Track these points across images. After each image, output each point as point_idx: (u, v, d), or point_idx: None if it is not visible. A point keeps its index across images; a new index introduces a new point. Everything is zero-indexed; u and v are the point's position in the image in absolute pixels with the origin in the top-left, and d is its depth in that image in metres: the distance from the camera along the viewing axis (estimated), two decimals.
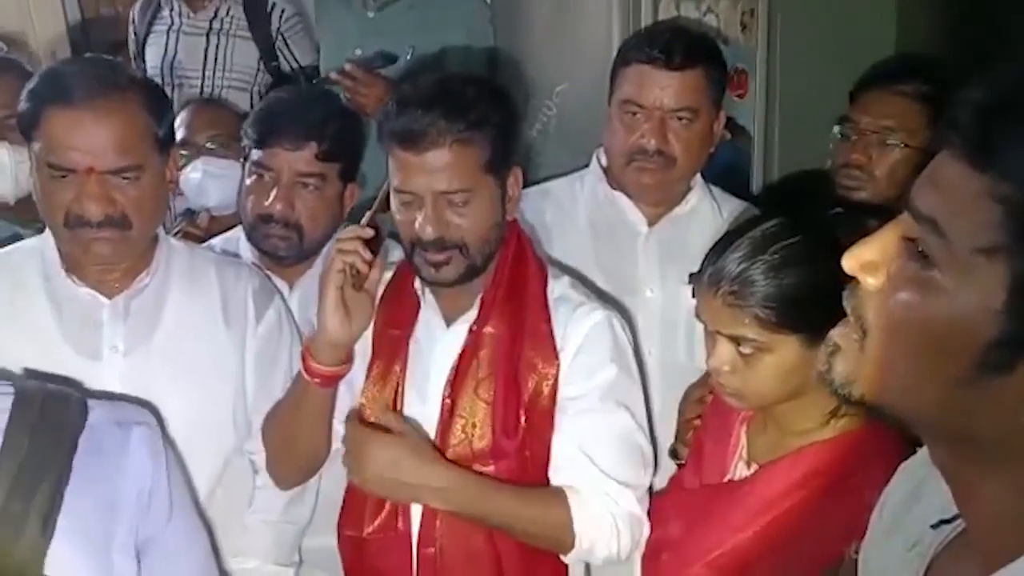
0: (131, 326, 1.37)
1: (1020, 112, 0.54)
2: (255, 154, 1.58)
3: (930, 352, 0.58)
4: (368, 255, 1.29)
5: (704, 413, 1.32)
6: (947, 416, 0.59)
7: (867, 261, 0.62)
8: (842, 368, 0.63)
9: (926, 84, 1.60)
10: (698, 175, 1.67)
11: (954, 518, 0.68)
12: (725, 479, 1.22)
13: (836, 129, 1.69)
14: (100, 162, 1.26)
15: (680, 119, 1.55)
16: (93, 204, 1.27)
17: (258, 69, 2.67)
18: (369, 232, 1.30)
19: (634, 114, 1.55)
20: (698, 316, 1.19)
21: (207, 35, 2.66)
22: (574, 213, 1.67)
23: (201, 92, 2.60)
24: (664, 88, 1.53)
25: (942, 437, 0.63)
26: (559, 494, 1.28)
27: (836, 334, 0.64)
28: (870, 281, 0.62)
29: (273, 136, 1.56)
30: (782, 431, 1.18)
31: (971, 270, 0.55)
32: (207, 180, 1.91)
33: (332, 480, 1.44)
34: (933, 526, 0.69)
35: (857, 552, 0.82)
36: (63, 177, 1.28)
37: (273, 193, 1.56)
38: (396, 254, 1.42)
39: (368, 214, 1.34)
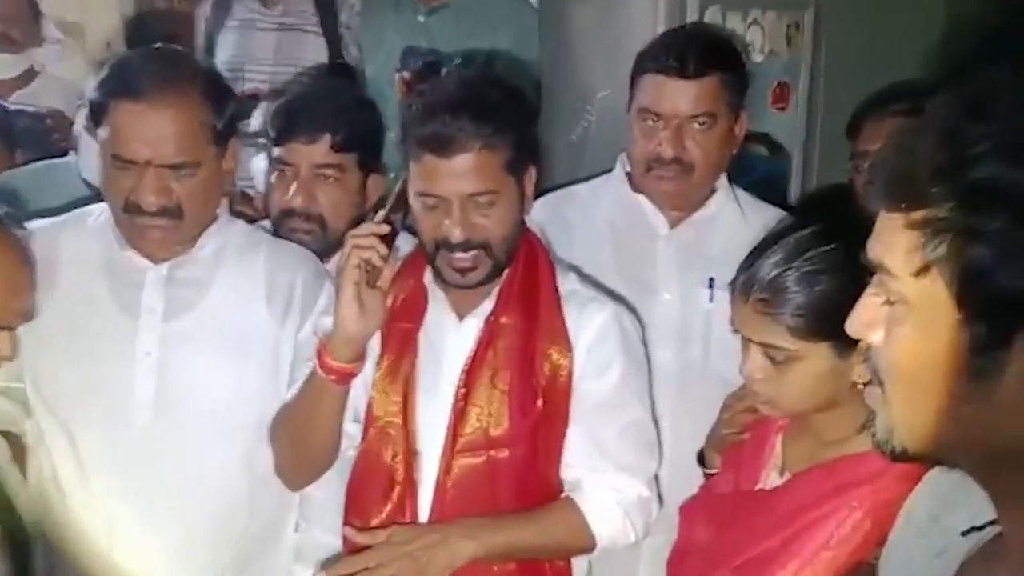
0: (173, 292, 1.44)
1: (892, 158, 0.64)
2: (275, 151, 1.62)
3: (925, 381, 0.63)
4: (384, 250, 1.32)
5: (750, 425, 1.32)
6: (968, 438, 0.63)
7: (863, 321, 0.68)
8: (879, 426, 0.67)
9: (914, 100, 1.62)
10: (724, 178, 1.67)
11: (984, 526, 0.70)
12: (757, 487, 1.23)
13: (850, 166, 1.72)
14: (158, 156, 1.34)
15: (698, 124, 1.56)
16: (151, 195, 1.34)
17: (327, 65, 2.69)
18: (384, 228, 1.33)
19: (651, 122, 1.57)
20: (731, 323, 1.20)
21: (279, 30, 2.69)
22: (596, 214, 1.69)
23: (270, 86, 2.60)
24: (679, 96, 1.55)
25: (974, 460, 0.66)
26: (568, 504, 1.35)
27: (867, 396, 0.70)
28: (873, 338, 0.67)
29: (289, 131, 1.60)
30: (817, 441, 1.18)
31: (920, 295, 0.62)
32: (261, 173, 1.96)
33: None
34: (963, 533, 0.71)
35: (877, 559, 0.84)
36: (124, 167, 1.35)
37: (293, 187, 1.59)
38: (403, 249, 1.45)
39: (382, 211, 1.37)
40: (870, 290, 0.67)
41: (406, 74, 2.27)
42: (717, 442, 1.42)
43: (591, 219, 1.69)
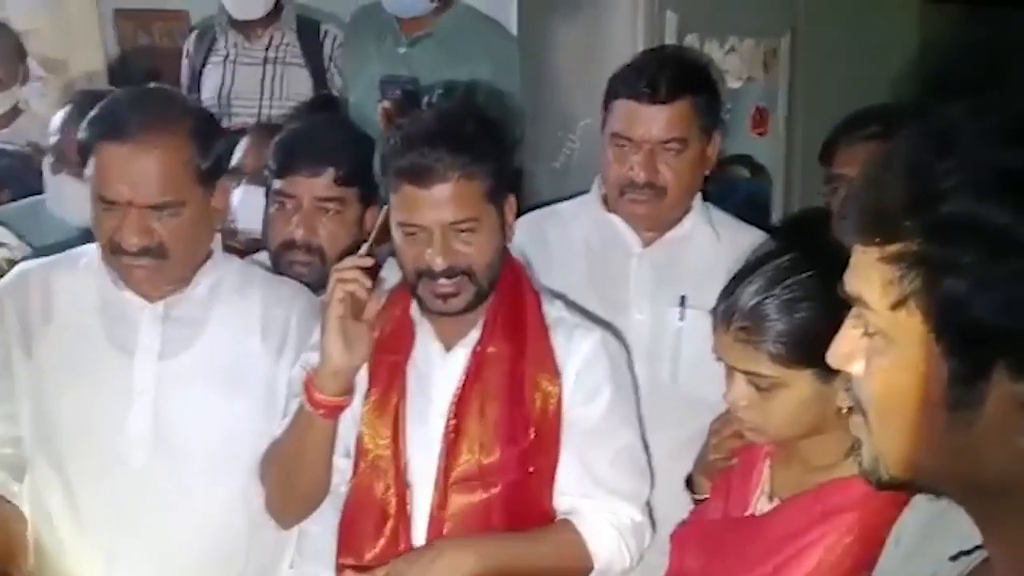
0: (170, 331, 1.43)
1: (863, 192, 0.64)
2: (276, 183, 1.63)
3: (907, 411, 0.62)
4: (368, 283, 1.33)
5: (738, 450, 1.32)
6: (952, 467, 0.63)
7: (843, 353, 0.68)
8: (865, 455, 0.67)
9: (885, 124, 1.66)
10: (698, 198, 1.69)
11: (973, 550, 0.70)
12: (746, 513, 1.23)
13: (826, 190, 1.74)
14: (140, 196, 1.34)
15: (669, 149, 1.57)
16: (132, 235, 1.35)
17: (312, 96, 2.71)
18: (368, 261, 1.34)
19: (624, 146, 1.58)
20: (714, 351, 1.19)
21: (263, 64, 2.71)
22: (573, 233, 1.71)
23: (258, 121, 2.63)
24: (651, 121, 1.56)
25: (959, 489, 0.65)
26: (566, 526, 1.35)
27: (851, 426, 0.69)
28: (854, 369, 0.67)
29: (292, 164, 1.61)
30: (804, 466, 1.18)
31: (898, 328, 0.62)
32: (241, 208, 1.94)
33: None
34: (952, 558, 0.71)
35: None
36: (109, 207, 1.36)
37: (295, 219, 1.60)
38: (388, 282, 1.45)
39: (366, 244, 1.38)
40: (849, 321, 0.68)
41: (386, 103, 2.29)
42: (706, 467, 1.42)
43: (568, 237, 1.71)
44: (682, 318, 1.63)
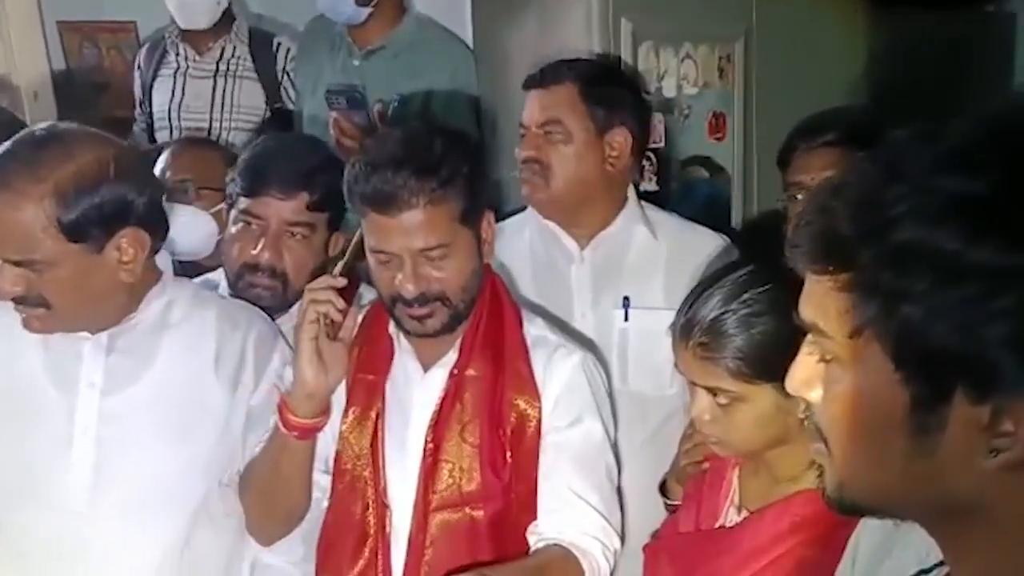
0: (114, 364, 1.35)
1: (814, 222, 0.64)
2: (243, 202, 1.56)
3: (869, 438, 0.63)
4: (341, 304, 1.31)
5: (710, 456, 1.32)
6: (916, 492, 0.63)
7: (800, 380, 0.68)
8: (828, 481, 0.67)
9: (841, 130, 1.69)
10: (632, 199, 1.70)
11: (932, 568, 0.71)
12: (717, 524, 1.24)
13: (784, 196, 1.76)
14: (3, 252, 1.27)
15: (549, 132, 1.62)
16: (4, 284, 1.28)
17: (265, 109, 2.68)
18: (342, 282, 1.32)
19: (523, 135, 1.66)
20: (676, 366, 1.20)
21: (214, 77, 2.66)
22: (517, 244, 1.72)
23: (209, 134, 2.59)
24: (532, 106, 1.65)
25: (923, 512, 0.66)
26: (570, 558, 1.29)
27: (813, 453, 0.69)
28: (812, 396, 0.67)
29: (263, 184, 1.54)
30: (771, 477, 1.19)
31: (856, 355, 0.62)
32: (184, 232, 1.77)
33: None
34: None
35: None
36: None
37: (261, 242, 1.54)
38: (368, 297, 1.43)
39: (340, 264, 1.36)
40: (805, 348, 0.68)
41: (334, 114, 2.25)
42: (678, 473, 1.44)
43: (516, 249, 1.71)
44: (626, 319, 1.65)
